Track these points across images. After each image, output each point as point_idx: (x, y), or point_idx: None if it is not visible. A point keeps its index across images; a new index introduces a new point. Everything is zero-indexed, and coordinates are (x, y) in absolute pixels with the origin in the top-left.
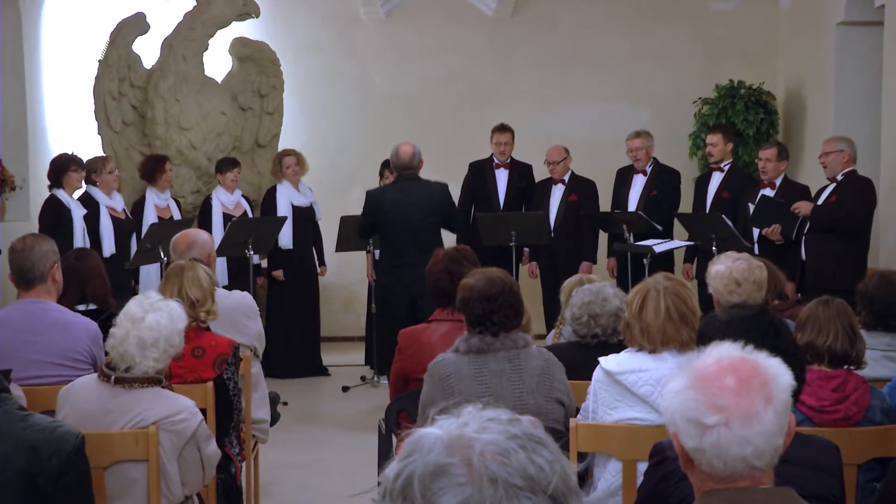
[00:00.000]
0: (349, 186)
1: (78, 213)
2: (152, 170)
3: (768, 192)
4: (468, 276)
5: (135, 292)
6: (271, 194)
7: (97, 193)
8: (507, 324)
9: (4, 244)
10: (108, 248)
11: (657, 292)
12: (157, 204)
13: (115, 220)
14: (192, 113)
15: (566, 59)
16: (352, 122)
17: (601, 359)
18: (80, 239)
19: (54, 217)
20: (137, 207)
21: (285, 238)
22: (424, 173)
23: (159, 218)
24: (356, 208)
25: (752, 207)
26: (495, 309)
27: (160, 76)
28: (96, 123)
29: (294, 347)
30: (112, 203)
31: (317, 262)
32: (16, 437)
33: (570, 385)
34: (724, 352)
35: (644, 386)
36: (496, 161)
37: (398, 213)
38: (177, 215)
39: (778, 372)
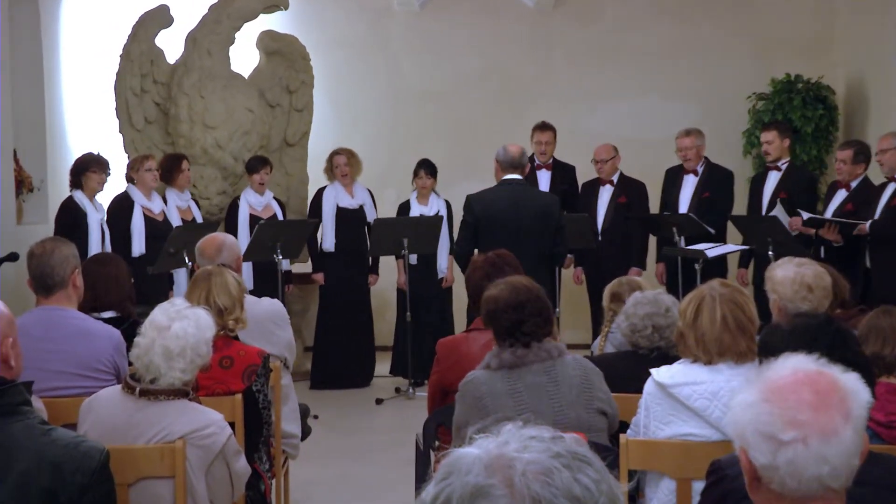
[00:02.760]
0: (381, 187)
1: (95, 217)
2: (169, 169)
3: (842, 194)
4: (490, 287)
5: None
6: (318, 195)
7: (134, 192)
8: (538, 333)
9: (22, 248)
10: (138, 248)
11: (713, 299)
12: (179, 205)
13: (150, 222)
14: (218, 110)
15: (610, 53)
16: (384, 119)
17: (653, 370)
18: (97, 244)
19: (69, 220)
20: None
21: (328, 241)
22: (460, 175)
23: (182, 220)
24: (388, 210)
25: (830, 207)
26: (524, 318)
27: (184, 72)
28: (117, 121)
29: (343, 357)
30: (149, 204)
31: (368, 269)
32: (38, 452)
33: (611, 393)
34: (799, 364)
35: (699, 399)
36: (537, 162)
37: (504, 219)
38: (198, 217)
39: (856, 387)
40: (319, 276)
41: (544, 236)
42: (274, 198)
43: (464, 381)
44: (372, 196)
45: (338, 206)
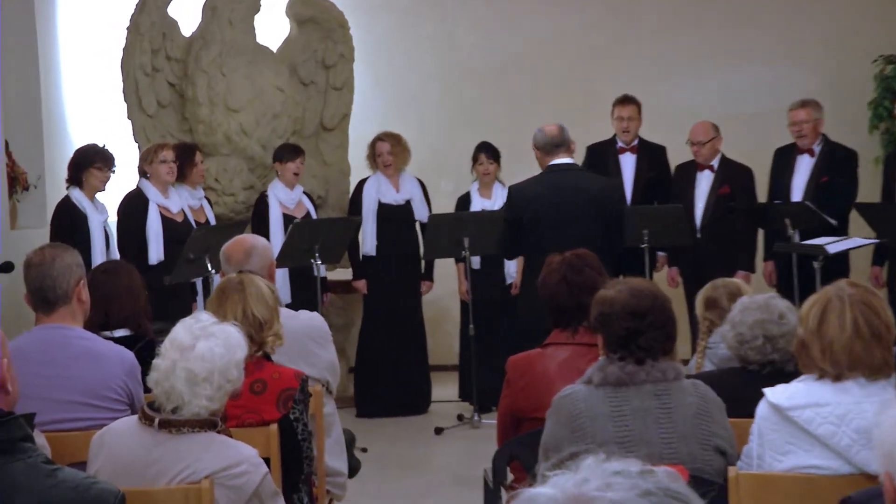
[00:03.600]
0: (436, 177)
1: (96, 218)
2: (182, 163)
3: None
4: (607, 286)
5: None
6: (358, 189)
7: (148, 189)
8: (655, 349)
9: (17, 257)
10: (156, 254)
11: (841, 302)
12: (191, 204)
13: (168, 223)
14: (242, 90)
15: (705, 12)
16: (437, 97)
17: (767, 390)
18: (100, 251)
19: (66, 224)
20: None
21: (368, 243)
22: (528, 160)
23: (195, 221)
24: (445, 205)
25: None
26: (643, 329)
27: (202, 46)
28: (125, 106)
29: (393, 380)
30: (166, 202)
31: (420, 275)
32: (42, 496)
33: (732, 429)
34: None
35: (824, 425)
36: (620, 143)
37: (552, 211)
38: (211, 217)
39: None
40: (361, 284)
41: (602, 230)
42: (304, 192)
43: (559, 396)
44: (423, 188)
45: (379, 202)
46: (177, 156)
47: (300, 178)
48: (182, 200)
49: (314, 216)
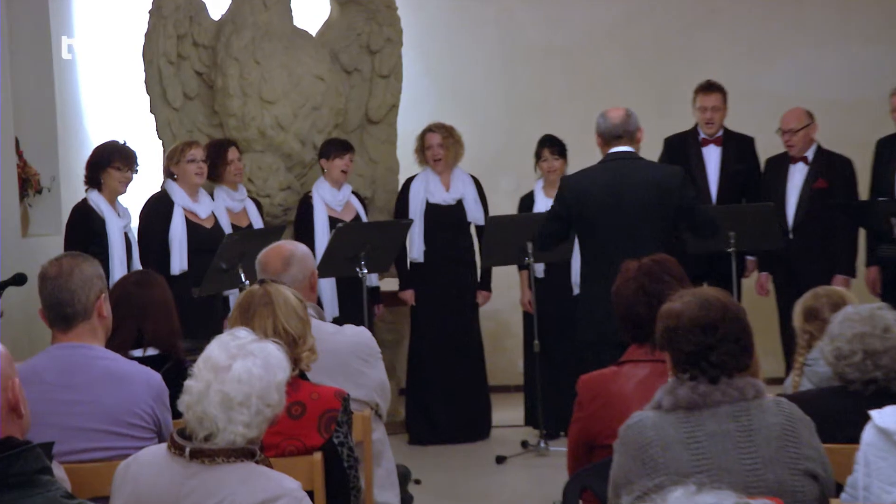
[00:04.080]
0: (495, 174)
1: (116, 224)
2: (212, 160)
3: None
4: (672, 298)
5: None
6: (405, 188)
7: (175, 191)
8: (730, 365)
9: (30, 267)
10: (178, 263)
11: None
12: (230, 207)
13: (195, 229)
14: (278, 79)
15: None
16: (495, 85)
17: (874, 413)
18: (120, 260)
19: (81, 229)
20: None
21: (416, 248)
22: (594, 155)
23: (233, 226)
24: (505, 205)
25: None
26: (714, 344)
27: (233, 30)
28: (148, 98)
29: (447, 402)
30: (193, 205)
31: (476, 284)
32: None
33: (824, 450)
34: None
35: None
36: (702, 134)
37: (609, 206)
38: (256, 221)
39: None
40: (408, 295)
41: (663, 223)
42: (354, 192)
43: (626, 426)
44: (478, 187)
45: (428, 203)
46: (208, 154)
47: (348, 177)
48: (218, 204)
49: (365, 219)
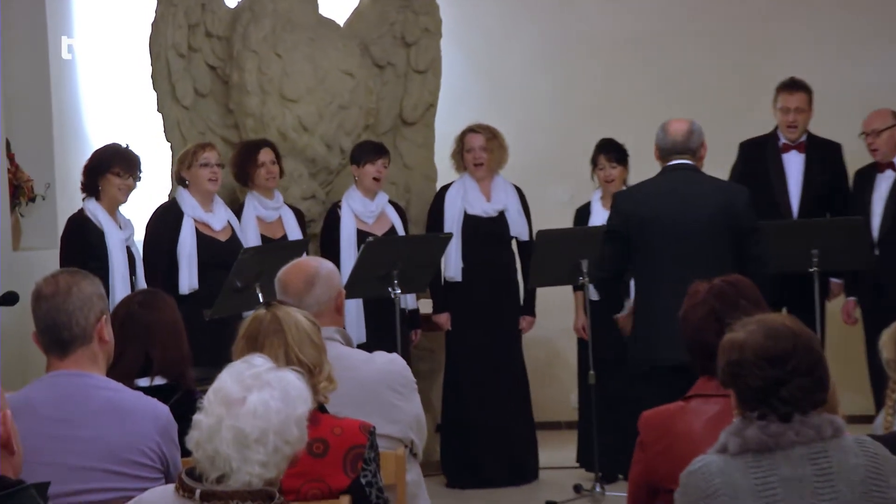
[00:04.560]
0: (546, 183)
1: (116, 236)
2: (243, 164)
3: None
4: (734, 327)
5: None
6: (440, 197)
7: (185, 199)
8: (803, 401)
9: (22, 285)
10: (187, 281)
11: None
12: (262, 216)
13: (207, 242)
14: (302, 74)
15: None
16: (549, 83)
17: None
18: (122, 277)
19: (77, 242)
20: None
21: (453, 265)
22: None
23: (264, 239)
24: (556, 218)
25: None
26: (784, 378)
27: (251, 19)
28: (155, 95)
29: (488, 440)
30: (206, 216)
31: (519, 307)
32: None
33: None
34: None
35: None
36: (783, 139)
37: (667, 222)
38: (294, 232)
39: None
40: (444, 318)
41: (727, 245)
42: (390, 202)
43: (687, 472)
44: (521, 197)
45: (466, 214)
46: (240, 156)
47: (382, 185)
48: (248, 213)
49: (402, 232)
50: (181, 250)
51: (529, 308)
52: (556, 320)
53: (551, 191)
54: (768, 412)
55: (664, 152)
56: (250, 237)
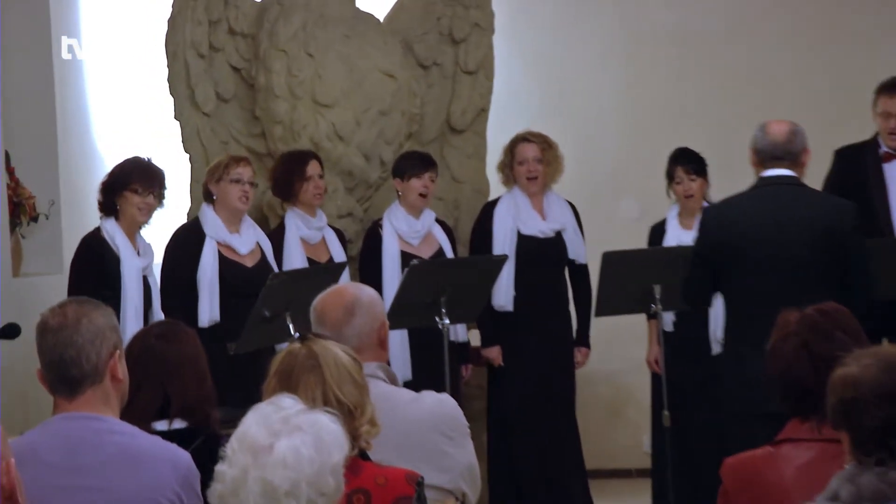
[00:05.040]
0: (612, 196)
1: (133, 263)
2: (288, 176)
3: None
4: (845, 362)
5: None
6: (486, 214)
7: (207, 218)
8: None
9: (24, 316)
10: (207, 312)
11: None
12: (305, 236)
13: (231, 268)
14: (337, 76)
15: None
16: (611, 83)
17: None
18: (135, 308)
19: (92, 267)
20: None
21: (503, 293)
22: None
23: (310, 261)
24: (622, 238)
25: None
26: None
27: (279, 14)
28: (172, 100)
29: (544, 487)
30: (229, 237)
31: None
32: None
33: None
34: None
35: None
36: (884, 147)
37: (764, 243)
38: (339, 255)
39: None
40: (495, 353)
41: (829, 271)
42: (438, 221)
43: None
44: (576, 214)
45: (519, 234)
46: (282, 168)
47: (429, 201)
48: (290, 234)
49: (450, 254)
50: (201, 277)
51: (584, 339)
52: (625, 353)
53: (618, 206)
54: (887, 457)
55: (762, 156)
56: (296, 262)
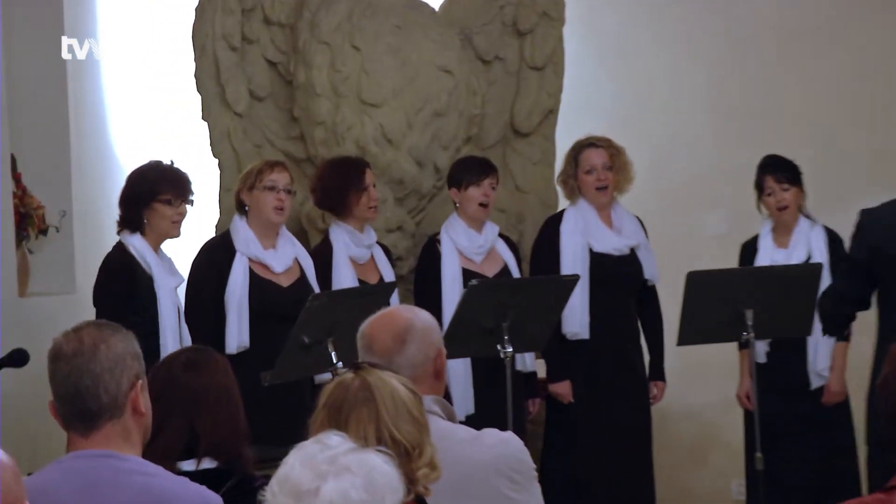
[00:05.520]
0: (700, 209)
1: (167, 282)
2: (341, 187)
3: None
4: None
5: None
6: (550, 229)
7: (239, 231)
8: None
9: (33, 340)
10: (235, 337)
11: None
12: (355, 256)
13: (264, 287)
14: (386, 73)
15: None
16: (700, 83)
17: None
18: (173, 333)
19: (118, 289)
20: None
21: (576, 319)
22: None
23: (360, 282)
24: (705, 256)
25: None
26: None
27: (322, 2)
28: (199, 99)
29: None
30: (262, 254)
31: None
32: None
33: None
34: None
35: None
36: None
37: None
38: (389, 277)
39: None
40: (564, 388)
41: None
42: (501, 235)
43: None
44: (644, 229)
45: (591, 252)
46: (330, 177)
47: (489, 212)
48: (338, 250)
49: (517, 273)
50: (229, 298)
51: (659, 371)
52: (710, 385)
53: (703, 221)
54: None
55: None
56: (346, 283)
